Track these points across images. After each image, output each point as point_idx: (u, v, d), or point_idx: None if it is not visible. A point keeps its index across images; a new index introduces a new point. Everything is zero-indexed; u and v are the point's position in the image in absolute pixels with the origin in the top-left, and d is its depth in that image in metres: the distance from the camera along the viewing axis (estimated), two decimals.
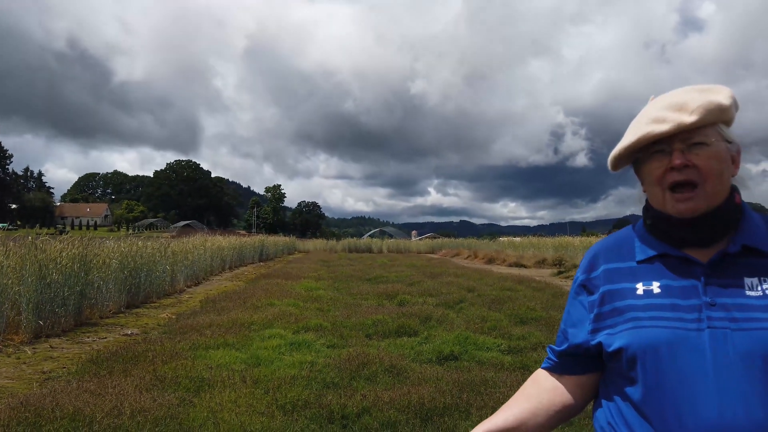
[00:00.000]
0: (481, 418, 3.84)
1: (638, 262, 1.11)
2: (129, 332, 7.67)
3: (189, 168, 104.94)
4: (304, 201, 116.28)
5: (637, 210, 1.22)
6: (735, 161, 1.07)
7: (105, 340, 7.15)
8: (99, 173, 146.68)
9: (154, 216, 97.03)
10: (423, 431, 3.66)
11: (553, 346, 1.25)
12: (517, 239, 39.03)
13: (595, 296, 1.14)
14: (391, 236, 71.14)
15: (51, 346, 6.70)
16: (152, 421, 3.56)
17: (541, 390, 1.23)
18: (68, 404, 3.80)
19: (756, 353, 0.93)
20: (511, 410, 1.21)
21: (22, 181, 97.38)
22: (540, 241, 31.52)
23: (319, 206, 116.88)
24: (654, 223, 1.12)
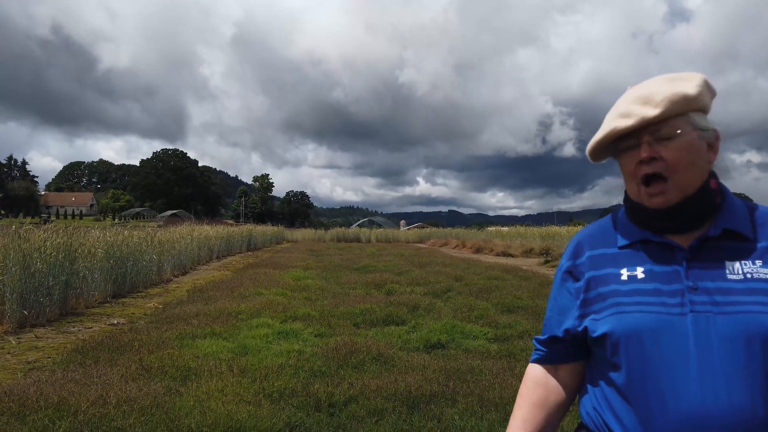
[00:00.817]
0: (467, 406, 3.89)
1: (620, 248, 1.12)
2: (115, 322, 7.62)
3: (176, 157, 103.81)
4: (293, 190, 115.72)
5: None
6: (713, 147, 1.07)
7: (91, 329, 7.10)
8: (84, 162, 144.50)
9: (141, 205, 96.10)
10: (410, 419, 3.69)
11: (539, 337, 1.26)
12: (505, 229, 39.22)
13: (581, 282, 1.15)
14: (379, 226, 71.16)
15: (36, 336, 6.64)
16: (138, 410, 3.55)
17: (550, 392, 1.23)
18: (53, 394, 3.78)
19: (738, 337, 0.94)
20: (531, 423, 1.20)
21: (5, 169, 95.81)
22: (527, 231, 31.71)
23: (307, 196, 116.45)
24: (633, 213, 1.13)
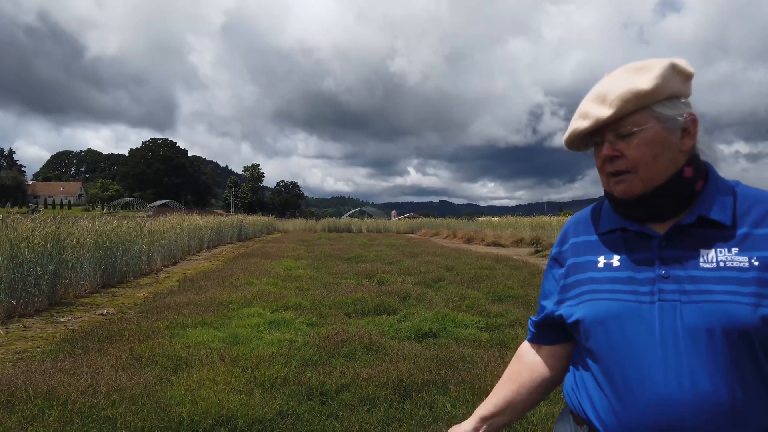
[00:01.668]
0: (458, 393, 3.91)
1: (600, 235, 1.14)
2: (105, 312, 7.57)
3: (165, 146, 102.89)
4: (283, 181, 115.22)
5: None
6: (689, 132, 1.03)
7: (80, 319, 7.05)
8: (72, 151, 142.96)
9: (130, 195, 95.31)
10: (401, 407, 3.70)
11: (532, 318, 1.30)
12: (496, 219, 39.35)
13: (563, 269, 1.18)
14: (370, 216, 71.14)
15: (24, 326, 6.59)
16: (129, 399, 3.54)
17: (523, 368, 1.28)
18: (42, 383, 3.75)
19: (701, 327, 0.94)
20: (498, 394, 1.28)
21: None
22: (518, 221, 31.83)
23: (298, 186, 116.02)
24: (610, 202, 1.14)
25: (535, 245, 21.86)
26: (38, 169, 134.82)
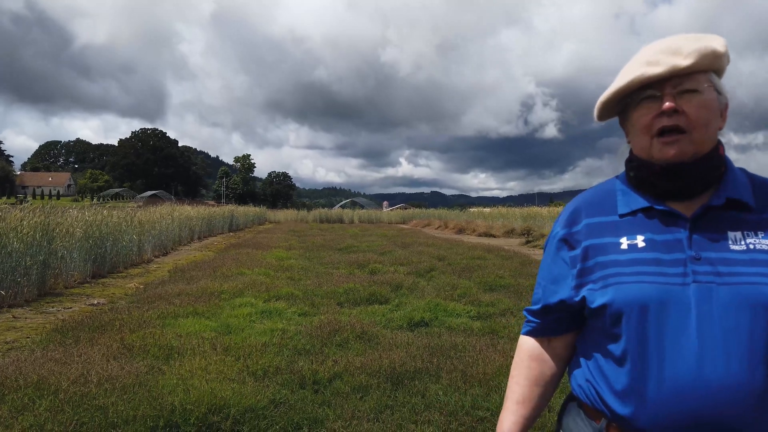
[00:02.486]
0: (451, 381, 3.93)
1: (620, 216, 1.09)
2: (95, 302, 7.52)
3: (155, 137, 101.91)
4: (275, 171, 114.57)
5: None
6: (723, 115, 1.05)
7: (70, 309, 7.00)
8: (61, 141, 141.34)
9: (120, 186, 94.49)
10: (394, 394, 3.71)
11: (531, 308, 1.23)
12: (487, 210, 39.45)
13: (578, 251, 1.11)
14: (362, 207, 71.04)
15: (14, 316, 6.53)
16: (120, 388, 3.52)
17: (545, 367, 1.22)
18: (32, 373, 3.72)
19: (740, 307, 0.93)
20: (530, 403, 1.21)
21: None
22: (509, 212, 31.94)
23: (289, 177, 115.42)
24: (637, 174, 1.09)
25: (526, 235, 21.96)
26: (26, 160, 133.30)
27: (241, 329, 5.45)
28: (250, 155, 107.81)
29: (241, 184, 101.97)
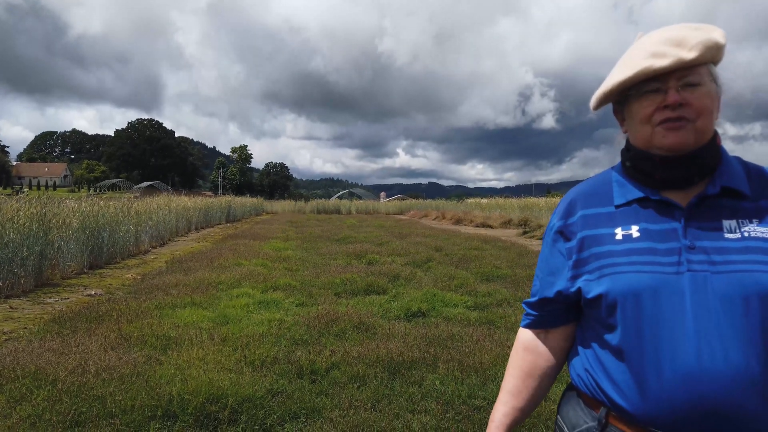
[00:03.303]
0: (447, 371, 3.95)
1: (617, 207, 1.09)
2: (93, 292, 7.52)
3: (151, 127, 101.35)
4: (272, 162, 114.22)
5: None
6: (718, 107, 1.06)
7: (67, 300, 7.00)
8: (56, 132, 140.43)
9: (116, 177, 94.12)
10: (391, 384, 3.73)
11: (529, 300, 1.24)
12: (484, 200, 39.44)
13: (573, 242, 1.12)
14: (359, 198, 71.02)
15: (11, 307, 6.53)
16: (118, 378, 3.53)
17: (539, 359, 1.23)
18: (30, 363, 3.73)
19: (735, 295, 0.93)
20: (521, 394, 1.22)
21: None
22: (506, 203, 31.94)
23: (286, 167, 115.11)
24: (634, 164, 1.10)
25: (523, 226, 21.98)
26: (22, 150, 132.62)
27: (239, 320, 5.46)
28: (246, 146, 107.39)
29: (238, 174, 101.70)
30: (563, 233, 1.16)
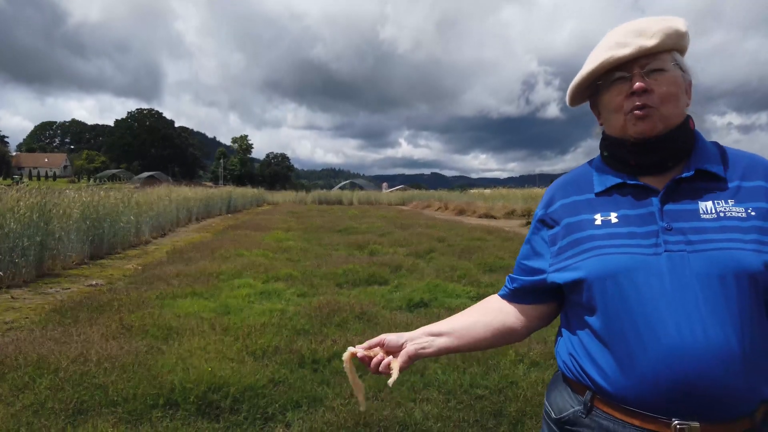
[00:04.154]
0: (449, 360, 3.94)
1: (596, 194, 1.13)
2: (94, 283, 7.52)
3: (151, 117, 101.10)
4: (273, 152, 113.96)
5: None
6: (688, 92, 1.10)
7: (69, 290, 7.00)
8: (56, 122, 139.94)
9: (116, 167, 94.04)
10: None
11: (514, 276, 1.27)
12: (487, 191, 39.41)
13: (555, 229, 1.16)
14: (361, 188, 70.96)
15: (12, 297, 6.53)
16: (120, 367, 3.53)
17: (488, 306, 1.28)
18: (32, 352, 3.73)
19: (712, 273, 0.95)
20: (454, 320, 1.28)
21: None
22: (509, 193, 31.93)
23: (287, 158, 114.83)
24: (611, 152, 1.14)
25: (526, 217, 21.99)
26: (22, 140, 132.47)
27: (240, 310, 5.45)
28: (247, 136, 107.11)
29: (238, 165, 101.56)
30: (544, 221, 1.21)
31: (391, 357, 1.22)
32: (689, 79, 1.10)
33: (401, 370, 1.19)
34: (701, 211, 1.02)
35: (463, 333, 1.24)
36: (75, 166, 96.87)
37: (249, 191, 40.41)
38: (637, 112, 1.05)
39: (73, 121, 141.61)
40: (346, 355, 1.23)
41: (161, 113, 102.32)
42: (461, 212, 28.97)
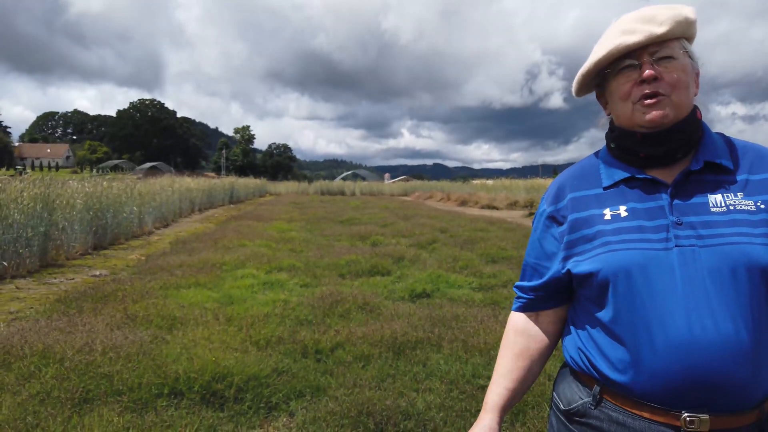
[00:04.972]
0: (452, 351, 3.96)
1: (605, 188, 1.12)
2: (97, 273, 7.56)
3: (153, 107, 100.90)
4: (275, 143, 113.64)
5: None
6: (695, 81, 1.09)
7: (73, 280, 7.04)
8: (58, 112, 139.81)
9: (119, 157, 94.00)
10: (395, 363, 3.75)
11: (522, 283, 1.25)
12: (490, 182, 39.34)
13: (564, 226, 1.14)
14: (364, 179, 70.91)
15: (17, 287, 6.57)
16: (125, 357, 3.55)
17: (530, 341, 1.23)
18: (37, 342, 3.75)
19: (723, 268, 0.95)
20: (512, 375, 1.22)
21: None
22: (512, 184, 31.88)
23: (290, 148, 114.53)
24: (619, 144, 1.12)
25: (529, 207, 21.97)
26: (24, 131, 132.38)
27: (243, 300, 5.48)
28: (249, 126, 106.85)
29: (241, 155, 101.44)
30: (555, 218, 1.18)
31: None
32: (697, 68, 1.09)
33: None
34: (711, 204, 1.01)
35: (529, 383, 1.24)
36: (77, 157, 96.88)
37: (251, 182, 40.43)
38: (647, 100, 1.03)
39: (75, 112, 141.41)
40: None
41: (163, 103, 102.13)
42: (463, 203, 28.96)
